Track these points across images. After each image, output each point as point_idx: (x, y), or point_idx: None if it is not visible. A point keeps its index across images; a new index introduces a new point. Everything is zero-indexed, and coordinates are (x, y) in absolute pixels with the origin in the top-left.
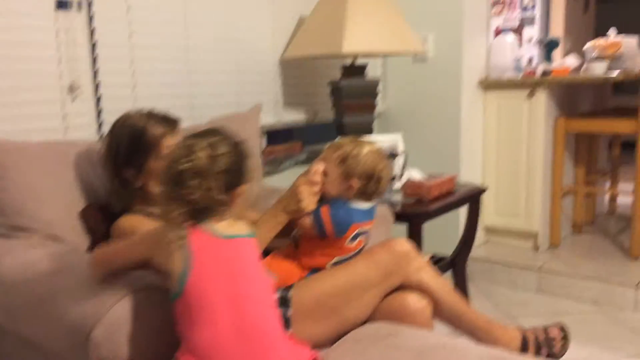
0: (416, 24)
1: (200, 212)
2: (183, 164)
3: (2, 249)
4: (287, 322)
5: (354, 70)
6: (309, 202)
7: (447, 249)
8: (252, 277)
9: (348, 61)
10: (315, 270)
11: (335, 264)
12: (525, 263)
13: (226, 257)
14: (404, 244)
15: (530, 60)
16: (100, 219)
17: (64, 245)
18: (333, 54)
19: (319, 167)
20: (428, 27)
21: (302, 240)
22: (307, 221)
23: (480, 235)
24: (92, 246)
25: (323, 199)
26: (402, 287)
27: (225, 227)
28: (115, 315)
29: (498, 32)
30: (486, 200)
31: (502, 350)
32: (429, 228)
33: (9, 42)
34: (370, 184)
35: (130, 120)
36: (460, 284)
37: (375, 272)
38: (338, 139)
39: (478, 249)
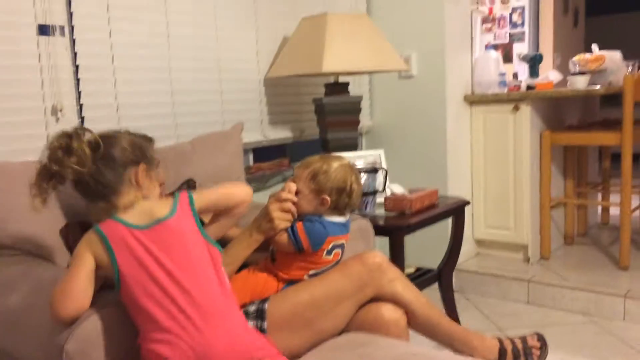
0: (399, 43)
1: (97, 200)
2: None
3: None
4: (262, 333)
5: (337, 87)
6: (280, 221)
7: (437, 263)
8: (188, 261)
9: (331, 79)
10: (291, 282)
11: (312, 276)
12: (515, 275)
13: (151, 249)
14: (377, 256)
15: (515, 76)
16: (79, 236)
17: (45, 262)
18: (314, 73)
19: (290, 185)
20: (411, 46)
21: (278, 255)
22: (284, 238)
23: (471, 248)
24: None
25: (299, 217)
26: (377, 299)
27: (137, 216)
28: (86, 330)
29: None
30: (476, 214)
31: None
32: (416, 241)
33: None
34: (342, 198)
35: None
36: (447, 296)
37: (350, 283)
38: (307, 158)
39: (469, 261)
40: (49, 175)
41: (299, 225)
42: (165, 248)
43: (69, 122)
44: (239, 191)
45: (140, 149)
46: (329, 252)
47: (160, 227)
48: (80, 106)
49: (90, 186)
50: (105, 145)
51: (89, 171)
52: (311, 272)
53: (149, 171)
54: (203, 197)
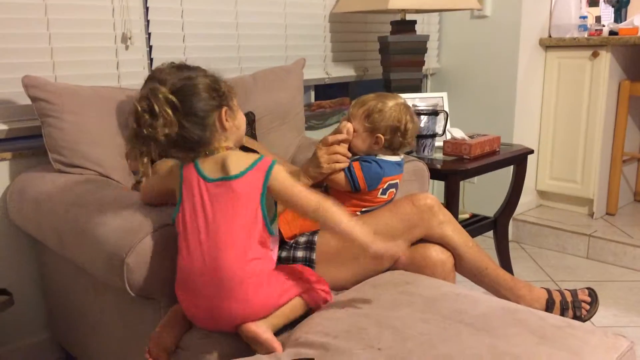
0: None
1: (187, 152)
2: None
3: (57, 182)
4: (311, 264)
5: (403, 26)
6: (328, 166)
7: (495, 211)
8: (228, 222)
9: (398, 17)
10: None
11: (363, 212)
12: (576, 229)
13: (205, 200)
14: (428, 198)
15: (598, 20)
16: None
17: (109, 182)
18: (381, 9)
19: (346, 126)
20: None
21: (332, 192)
22: (340, 177)
23: (533, 199)
24: (135, 185)
25: (353, 155)
26: (425, 240)
27: (212, 167)
28: (146, 246)
29: None
30: (541, 164)
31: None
32: (476, 188)
33: None
34: (396, 137)
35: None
36: (501, 245)
37: (399, 223)
38: (362, 97)
39: (529, 212)
40: (142, 139)
41: (356, 165)
42: (217, 204)
43: (138, 50)
44: (311, 202)
45: (217, 92)
46: (384, 192)
47: (223, 185)
48: (149, 35)
49: (179, 143)
50: (185, 100)
51: (177, 130)
52: (364, 209)
53: (231, 110)
54: (280, 181)
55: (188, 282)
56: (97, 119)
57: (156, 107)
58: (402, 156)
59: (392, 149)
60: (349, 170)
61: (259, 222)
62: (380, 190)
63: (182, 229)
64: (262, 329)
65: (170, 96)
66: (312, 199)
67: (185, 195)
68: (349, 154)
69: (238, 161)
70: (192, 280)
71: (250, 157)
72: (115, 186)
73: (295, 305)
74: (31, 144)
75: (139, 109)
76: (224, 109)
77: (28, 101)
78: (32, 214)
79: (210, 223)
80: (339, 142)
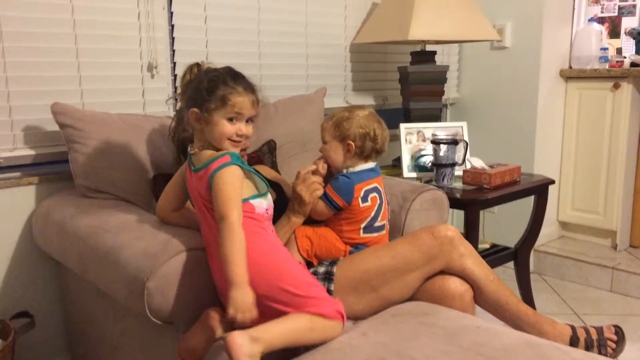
0: (493, 12)
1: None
2: None
3: (81, 207)
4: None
5: (423, 56)
6: (309, 196)
7: (515, 241)
8: (198, 210)
9: (418, 47)
10: (356, 246)
11: (366, 229)
12: (599, 261)
13: (191, 188)
14: (449, 230)
15: (619, 52)
16: (163, 186)
17: (132, 206)
18: (401, 40)
19: (319, 162)
20: (506, 15)
21: (327, 222)
22: (320, 205)
23: (554, 230)
24: None
25: (330, 178)
26: (444, 272)
27: (197, 158)
28: (167, 270)
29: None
30: (563, 195)
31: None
32: (496, 218)
33: (99, 23)
34: (367, 142)
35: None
36: (522, 276)
37: (419, 255)
38: (332, 112)
39: (551, 243)
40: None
41: (328, 188)
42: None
43: (163, 79)
44: (218, 210)
45: (199, 92)
46: (365, 199)
47: (195, 175)
48: (174, 64)
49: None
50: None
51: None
52: (363, 225)
53: (206, 113)
54: (218, 182)
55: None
56: (122, 145)
57: (185, 118)
58: (375, 163)
59: (365, 157)
60: (325, 196)
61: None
62: (360, 199)
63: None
64: (241, 346)
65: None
66: (222, 210)
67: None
68: (322, 181)
69: (207, 156)
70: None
71: (211, 155)
72: (133, 210)
73: (298, 327)
74: (57, 169)
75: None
76: (193, 109)
77: (55, 127)
78: (56, 238)
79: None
80: (311, 173)
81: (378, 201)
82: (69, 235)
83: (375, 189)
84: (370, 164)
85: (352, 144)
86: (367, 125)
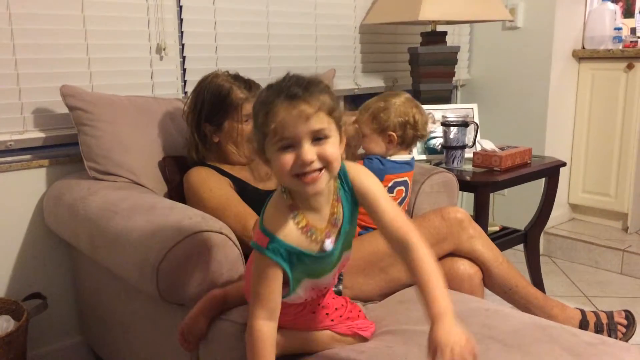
0: None
1: None
2: None
3: (92, 189)
4: (339, 276)
5: (434, 37)
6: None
7: (525, 224)
8: None
9: (429, 28)
10: (365, 228)
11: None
12: (610, 243)
13: None
14: (458, 212)
15: (633, 32)
16: (176, 170)
17: (142, 189)
18: (411, 21)
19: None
20: None
21: None
22: None
23: (565, 213)
24: (169, 193)
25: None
26: (453, 254)
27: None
28: (178, 252)
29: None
30: (574, 177)
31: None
32: (506, 200)
33: (107, 4)
34: (407, 131)
35: (217, 80)
36: (532, 258)
37: (428, 236)
38: (365, 102)
39: (561, 225)
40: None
41: (361, 164)
42: None
43: (171, 61)
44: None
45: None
46: (391, 190)
47: None
48: (182, 46)
49: None
50: None
51: None
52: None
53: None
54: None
55: None
56: (131, 127)
57: None
58: (412, 154)
59: (407, 144)
60: None
61: None
62: (386, 188)
63: None
64: None
65: None
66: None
67: None
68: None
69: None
70: None
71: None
72: (143, 193)
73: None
74: (68, 151)
75: None
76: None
77: (65, 110)
78: (67, 220)
79: None
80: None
81: (403, 195)
82: (80, 217)
83: (404, 183)
84: (409, 156)
85: (394, 134)
86: (406, 113)
